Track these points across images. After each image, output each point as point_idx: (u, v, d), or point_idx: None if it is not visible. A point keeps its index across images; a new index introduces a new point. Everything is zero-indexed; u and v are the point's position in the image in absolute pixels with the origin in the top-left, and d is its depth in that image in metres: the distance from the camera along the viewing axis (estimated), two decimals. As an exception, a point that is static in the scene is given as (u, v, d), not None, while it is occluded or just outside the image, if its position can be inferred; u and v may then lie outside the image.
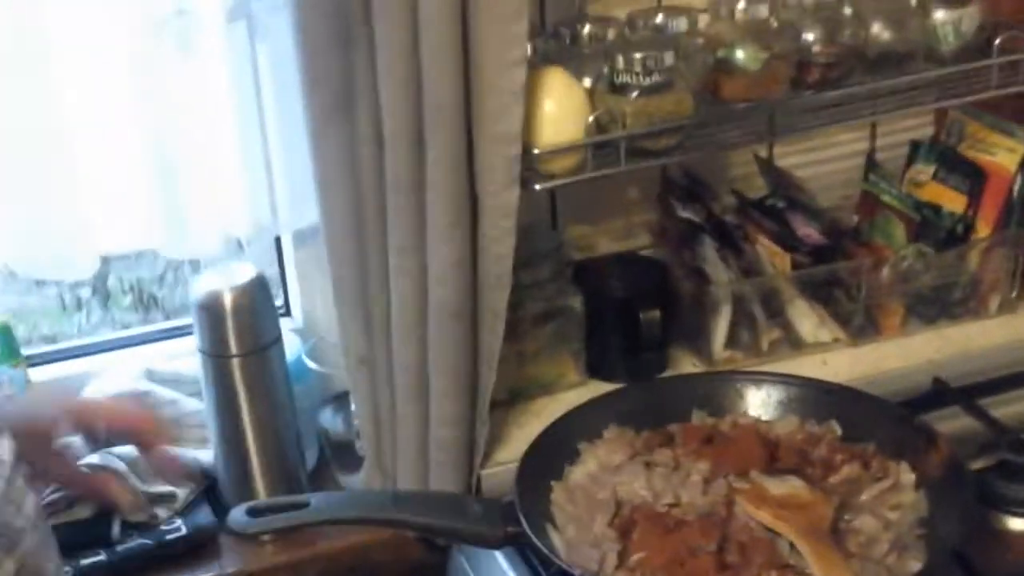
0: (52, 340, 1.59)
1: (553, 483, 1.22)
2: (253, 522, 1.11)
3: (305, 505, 1.13)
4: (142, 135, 1.34)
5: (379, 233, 1.25)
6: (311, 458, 1.46)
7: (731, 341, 1.46)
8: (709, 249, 1.45)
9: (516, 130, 1.19)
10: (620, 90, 1.26)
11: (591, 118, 1.25)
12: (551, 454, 1.25)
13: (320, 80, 1.20)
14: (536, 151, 1.23)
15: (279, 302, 1.55)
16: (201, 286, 1.34)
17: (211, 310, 1.33)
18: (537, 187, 1.25)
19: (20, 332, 1.48)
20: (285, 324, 1.54)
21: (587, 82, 1.29)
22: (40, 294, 1.60)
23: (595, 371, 1.46)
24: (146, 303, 1.64)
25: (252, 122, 1.38)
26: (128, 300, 1.64)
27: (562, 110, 1.25)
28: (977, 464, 1.27)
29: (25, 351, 1.45)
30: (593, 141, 1.25)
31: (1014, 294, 1.55)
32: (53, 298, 1.62)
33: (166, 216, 1.38)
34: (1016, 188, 1.51)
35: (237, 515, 1.11)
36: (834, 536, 1.13)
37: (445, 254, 1.22)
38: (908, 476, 1.21)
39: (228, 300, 1.33)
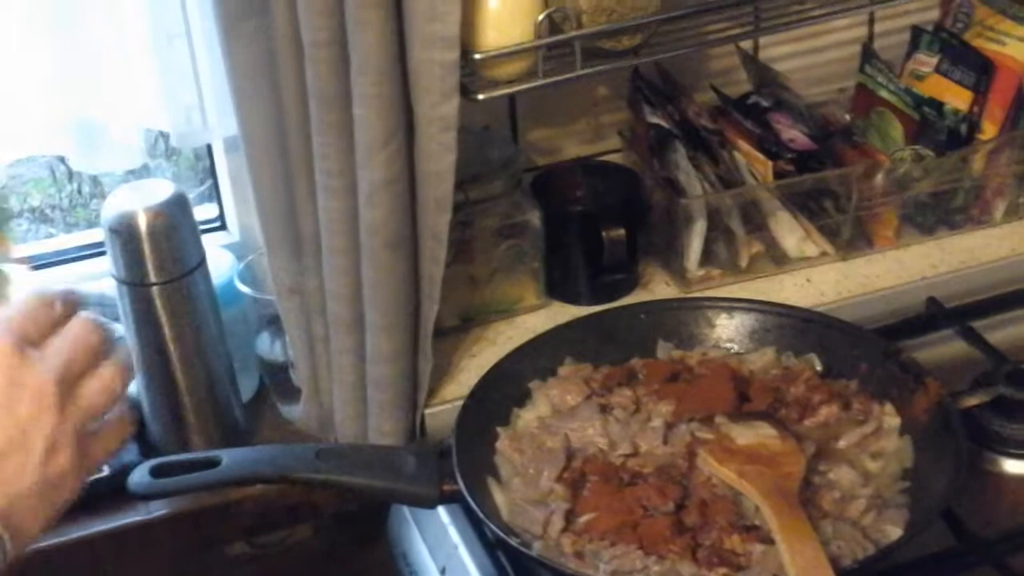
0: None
1: (499, 429, 1.11)
2: (156, 484, 1.00)
3: (217, 463, 1.02)
4: (42, 25, 1.19)
5: (304, 149, 1.12)
6: (250, 387, 1.35)
7: (707, 258, 1.33)
8: (682, 157, 1.31)
9: (453, 32, 1.04)
10: (575, -17, 1.11)
11: (542, 16, 1.09)
12: (497, 396, 1.13)
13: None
14: (478, 56, 1.09)
15: (213, 214, 1.43)
16: (112, 206, 1.21)
17: (124, 234, 1.20)
18: (480, 96, 1.11)
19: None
20: (220, 239, 1.42)
21: (539, -28, 1.14)
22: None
23: (556, 292, 1.33)
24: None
25: (173, 17, 1.24)
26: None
27: (508, 7, 1.09)
28: (971, 400, 1.15)
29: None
30: (544, 43, 1.10)
31: (1021, 199, 1.41)
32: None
33: (74, 123, 1.24)
34: (1027, 83, 1.36)
35: (138, 476, 1.00)
36: (807, 491, 1.02)
37: (375, 174, 1.08)
38: (892, 420, 1.09)
39: (143, 222, 1.20)
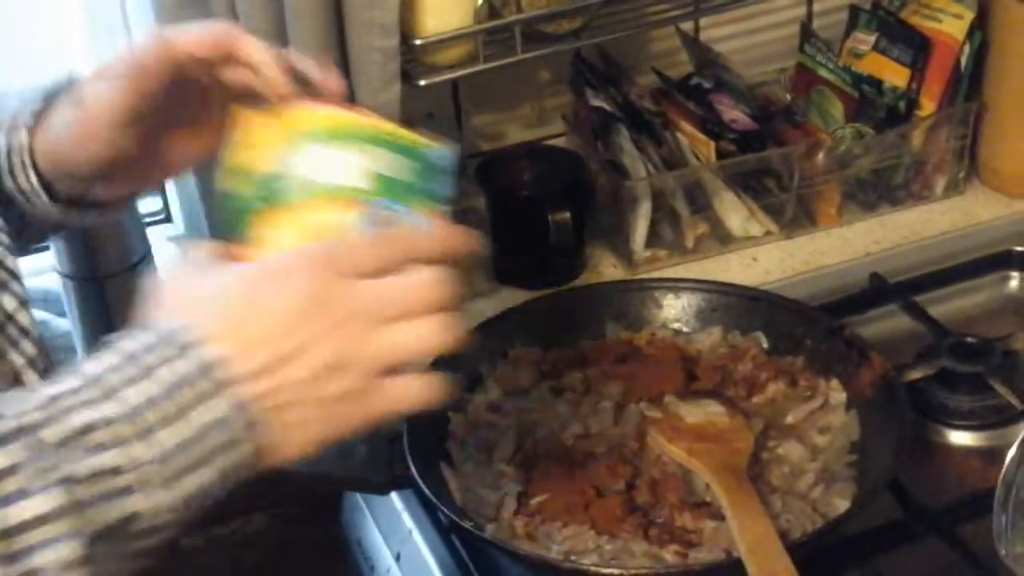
0: None
1: (450, 414, 1.11)
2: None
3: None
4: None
5: (246, 139, 1.11)
6: (200, 379, 1.34)
7: (653, 239, 1.34)
8: (625, 139, 1.31)
9: (392, 18, 1.05)
10: (514, -33, 1.11)
11: (481, 1, 1.10)
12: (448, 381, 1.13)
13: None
14: (418, 41, 1.09)
15: (157, 207, 1.42)
16: (54, 201, 1.20)
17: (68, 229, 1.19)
18: (422, 82, 1.11)
19: None
20: (165, 232, 1.41)
21: (479, -43, 1.14)
22: None
23: (505, 277, 1.33)
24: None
25: (111, 9, 1.23)
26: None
27: (447, -8, 1.10)
28: (915, 374, 1.16)
29: None
30: (483, 28, 1.10)
31: (961, 175, 1.43)
32: None
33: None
34: (963, 59, 1.37)
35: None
36: (756, 467, 1.03)
37: (319, 163, 1.08)
38: (838, 395, 1.10)
39: (86, 216, 1.19)
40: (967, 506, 1.03)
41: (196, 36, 0.79)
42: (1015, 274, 1.35)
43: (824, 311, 1.21)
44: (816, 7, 1.49)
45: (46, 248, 1.27)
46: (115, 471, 0.62)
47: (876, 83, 1.38)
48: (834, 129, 1.38)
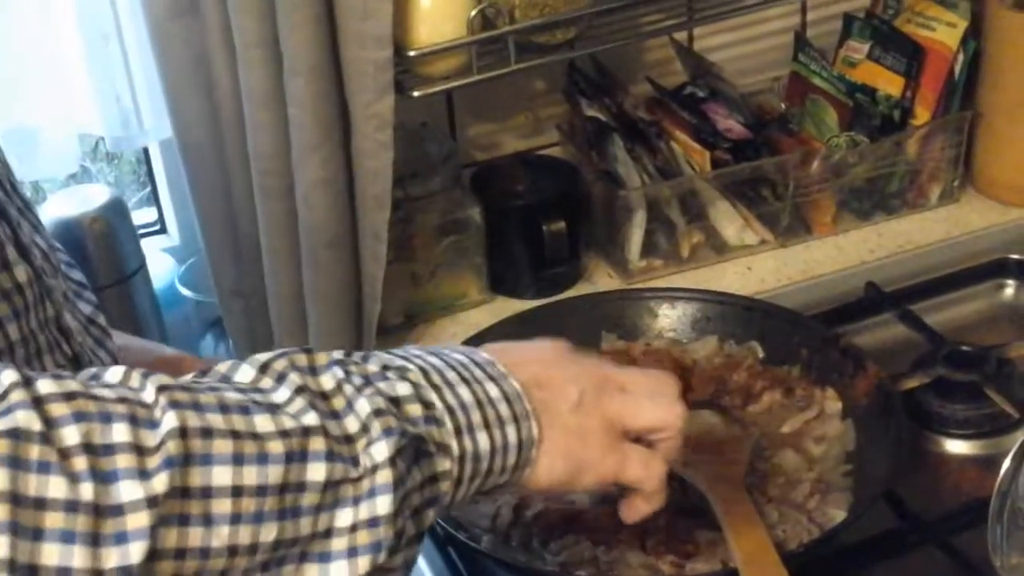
0: None
1: (445, 425, 1.11)
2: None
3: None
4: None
5: (240, 150, 1.11)
6: (193, 391, 1.34)
7: (648, 248, 1.34)
8: (619, 149, 1.31)
9: (385, 30, 1.04)
10: (508, -23, 1.11)
11: (474, 12, 1.10)
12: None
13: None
14: (411, 53, 1.09)
15: (152, 218, 1.42)
16: (49, 212, 1.20)
17: (62, 239, 1.18)
18: (415, 94, 1.11)
19: None
20: (160, 242, 1.41)
21: (472, -32, 1.14)
22: None
23: (500, 287, 1.33)
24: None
25: (104, 19, 1.22)
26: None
27: (440, 4, 1.10)
28: (911, 382, 1.16)
29: None
30: (477, 39, 1.10)
31: (956, 183, 1.43)
32: None
33: (7, 130, 1.23)
34: (957, 68, 1.37)
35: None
36: (752, 477, 1.02)
37: (312, 173, 1.08)
38: (834, 405, 1.10)
39: (81, 228, 1.19)
40: (963, 515, 1.03)
41: None
42: (1010, 282, 1.35)
43: (820, 320, 1.21)
44: (810, 16, 1.50)
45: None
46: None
47: (870, 92, 1.38)
48: (828, 138, 1.38)
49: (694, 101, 1.39)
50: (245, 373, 0.67)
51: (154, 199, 1.41)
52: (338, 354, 0.70)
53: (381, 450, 0.66)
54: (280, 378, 0.67)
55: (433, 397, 0.71)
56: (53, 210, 1.20)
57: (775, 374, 1.13)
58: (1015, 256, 1.35)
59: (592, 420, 0.79)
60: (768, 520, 0.97)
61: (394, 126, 1.09)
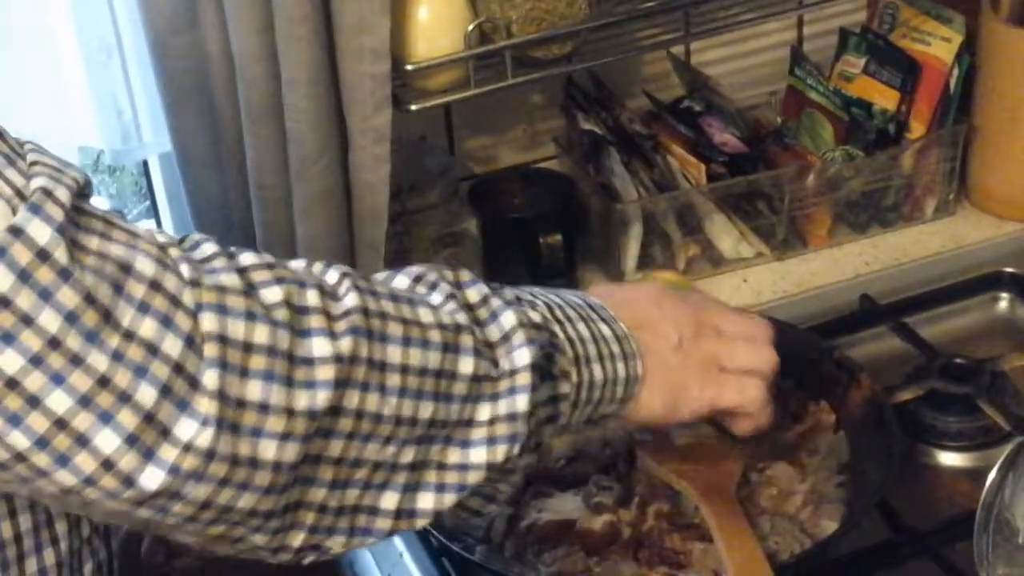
0: None
1: (441, 436, 1.11)
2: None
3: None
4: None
5: (239, 163, 1.12)
6: (193, 402, 1.35)
7: (644, 261, 1.34)
8: (616, 162, 1.32)
9: (383, 44, 1.05)
10: (505, -8, 1.12)
11: (471, 26, 1.11)
12: (438, 403, 1.13)
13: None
14: (409, 67, 1.10)
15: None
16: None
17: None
18: (413, 107, 1.12)
19: None
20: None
21: (470, -18, 1.15)
22: None
23: (496, 299, 1.34)
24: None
25: (105, 33, 1.23)
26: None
27: (438, 18, 1.11)
28: (905, 395, 1.17)
29: None
30: (474, 53, 1.11)
31: (951, 196, 1.44)
32: None
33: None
34: (952, 82, 1.38)
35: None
36: (745, 488, 1.03)
37: (310, 187, 1.09)
38: (828, 417, 1.10)
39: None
40: (955, 527, 1.03)
41: None
42: (1004, 295, 1.36)
43: (814, 332, 1.22)
44: (806, 31, 1.51)
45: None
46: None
47: (866, 106, 1.39)
48: (824, 152, 1.39)
49: (691, 115, 1.40)
50: (401, 281, 0.77)
51: (153, 211, 1.42)
52: (475, 277, 0.80)
53: (523, 356, 0.75)
54: (433, 286, 0.76)
55: (556, 329, 0.79)
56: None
57: (769, 387, 1.14)
58: (1009, 269, 1.36)
59: (690, 359, 0.87)
60: (760, 531, 0.98)
61: (392, 139, 1.10)
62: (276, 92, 1.07)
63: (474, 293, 0.77)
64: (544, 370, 0.77)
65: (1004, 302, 1.36)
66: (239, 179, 1.13)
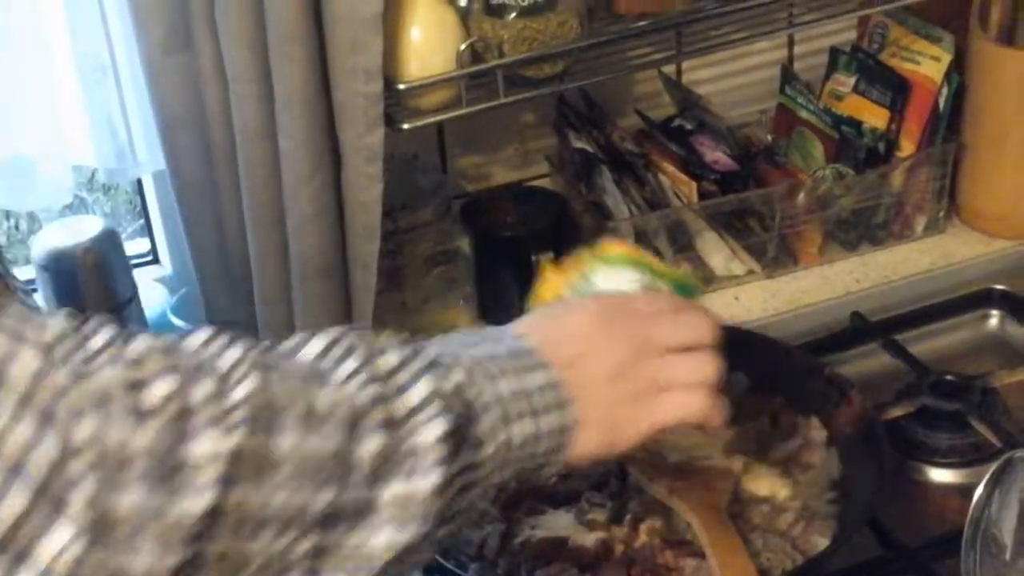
0: None
1: (433, 453, 1.12)
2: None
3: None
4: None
5: (232, 181, 1.13)
6: (185, 420, 1.35)
7: (635, 278, 1.35)
8: (607, 181, 1.33)
9: (375, 64, 1.06)
10: (496, 12, 1.13)
11: (463, 46, 1.11)
12: (431, 421, 1.14)
13: (154, 7, 1.06)
14: (401, 86, 1.10)
15: (144, 248, 1.43)
16: (42, 243, 1.21)
17: (55, 270, 1.21)
18: (405, 126, 1.12)
19: None
20: (153, 273, 1.42)
21: (462, 1, 1.15)
22: None
23: (489, 317, 1.34)
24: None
25: (99, 52, 1.24)
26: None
27: (430, 38, 1.11)
28: (896, 411, 1.18)
29: None
30: (466, 73, 1.12)
31: (941, 214, 1.45)
32: None
33: (2, 161, 1.24)
34: (941, 100, 1.39)
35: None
36: (736, 505, 1.03)
37: (303, 206, 1.09)
38: (819, 434, 1.11)
39: (74, 259, 1.20)
40: (946, 543, 1.03)
41: None
42: (995, 312, 1.36)
43: (805, 350, 1.23)
44: (797, 50, 1.51)
45: (34, 290, 1.28)
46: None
47: (856, 124, 1.40)
48: (815, 170, 1.39)
49: (682, 133, 1.41)
50: (313, 348, 0.72)
51: (147, 230, 1.43)
52: (398, 338, 0.75)
53: (433, 429, 0.71)
54: (347, 353, 0.72)
55: (476, 391, 0.75)
56: (47, 240, 1.21)
57: (761, 403, 1.14)
58: (999, 287, 1.37)
59: (626, 390, 0.82)
60: (752, 548, 0.98)
61: (385, 158, 1.10)
62: (269, 111, 1.07)
63: (392, 358, 0.72)
64: (460, 438, 0.73)
65: (994, 319, 1.36)
66: (233, 197, 1.13)
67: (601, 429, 0.81)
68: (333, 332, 0.73)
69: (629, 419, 0.82)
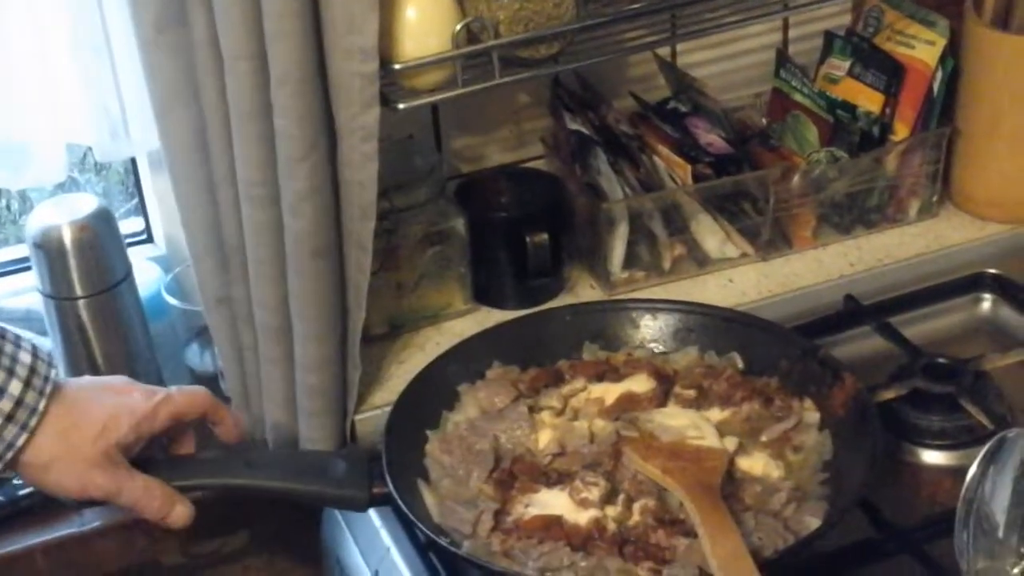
0: None
1: (428, 432, 1.12)
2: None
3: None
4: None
5: (226, 160, 1.12)
6: (179, 399, 1.35)
7: (630, 260, 1.35)
8: (602, 162, 1.33)
9: (371, 43, 1.06)
10: (493, -8, 1.13)
11: (459, 26, 1.11)
12: (426, 400, 1.15)
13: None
14: (397, 66, 1.10)
15: (139, 227, 1.43)
16: (36, 221, 1.21)
17: (49, 248, 1.20)
18: (401, 106, 1.12)
19: None
20: (146, 252, 1.42)
21: (458, -17, 1.15)
22: None
23: (483, 297, 1.35)
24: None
25: (93, 30, 1.24)
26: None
27: (426, 18, 1.11)
28: (888, 394, 1.18)
29: None
30: (461, 53, 1.11)
31: (934, 198, 1.45)
32: None
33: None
34: (936, 85, 1.39)
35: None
36: (729, 485, 1.04)
37: (298, 184, 1.09)
38: (812, 415, 1.12)
39: (68, 236, 1.20)
40: (937, 524, 1.04)
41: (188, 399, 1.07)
42: (987, 296, 1.37)
43: (799, 332, 1.23)
44: (792, 33, 1.51)
45: (28, 268, 1.28)
46: None
47: (850, 108, 1.40)
48: (809, 153, 1.40)
49: (677, 116, 1.41)
50: None
51: (141, 209, 1.42)
52: None
53: None
54: None
55: None
56: (40, 218, 1.21)
57: (754, 384, 1.15)
58: (992, 270, 1.37)
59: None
60: (744, 527, 0.98)
61: (380, 138, 1.10)
62: (264, 89, 1.07)
63: None
64: None
65: (986, 303, 1.37)
66: (227, 176, 1.13)
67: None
68: None
69: None
